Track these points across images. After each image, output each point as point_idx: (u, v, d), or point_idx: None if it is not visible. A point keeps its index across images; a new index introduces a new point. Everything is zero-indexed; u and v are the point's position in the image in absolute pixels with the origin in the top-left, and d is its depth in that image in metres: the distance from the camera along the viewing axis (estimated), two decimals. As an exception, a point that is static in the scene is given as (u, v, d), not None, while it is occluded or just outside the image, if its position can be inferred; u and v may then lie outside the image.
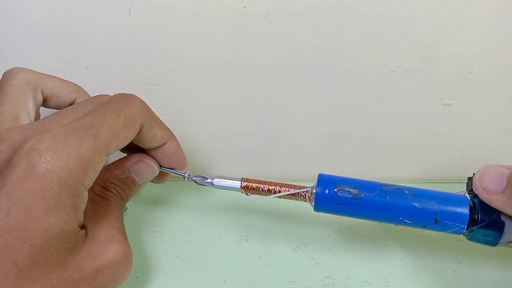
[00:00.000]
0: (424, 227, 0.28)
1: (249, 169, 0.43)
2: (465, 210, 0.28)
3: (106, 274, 0.27)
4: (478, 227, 0.28)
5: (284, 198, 0.32)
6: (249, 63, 0.38)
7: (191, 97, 0.40)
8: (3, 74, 0.32)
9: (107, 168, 0.32)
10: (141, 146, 0.32)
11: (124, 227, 0.30)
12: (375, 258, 0.34)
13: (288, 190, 0.31)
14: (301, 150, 0.42)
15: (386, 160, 0.42)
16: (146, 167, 0.33)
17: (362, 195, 0.28)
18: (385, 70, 0.38)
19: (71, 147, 0.25)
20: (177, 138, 0.42)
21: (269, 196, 0.31)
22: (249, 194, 0.32)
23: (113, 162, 0.33)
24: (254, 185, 0.32)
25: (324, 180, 0.30)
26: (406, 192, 0.28)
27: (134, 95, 0.31)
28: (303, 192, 0.31)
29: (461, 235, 0.29)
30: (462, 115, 0.40)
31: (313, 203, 0.30)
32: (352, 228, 0.37)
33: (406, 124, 0.41)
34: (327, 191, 0.29)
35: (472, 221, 0.28)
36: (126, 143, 0.29)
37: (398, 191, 0.29)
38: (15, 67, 0.32)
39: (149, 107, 0.31)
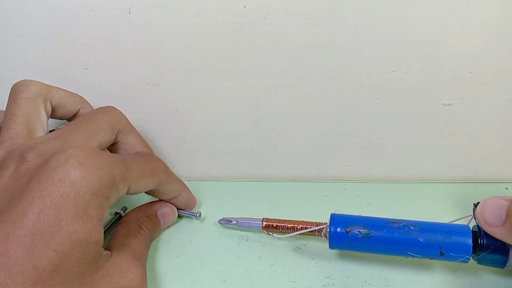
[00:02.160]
0: (431, 259, 0.31)
1: (249, 169, 0.43)
2: (468, 241, 0.30)
3: None
4: (485, 253, 0.29)
5: (303, 235, 0.34)
6: (249, 63, 0.38)
7: (191, 97, 0.40)
8: (13, 87, 0.33)
9: (140, 209, 0.35)
10: (156, 197, 0.35)
11: (146, 262, 0.32)
12: (375, 258, 0.34)
13: (306, 228, 0.34)
14: (301, 150, 0.42)
15: (386, 160, 0.42)
16: (170, 212, 0.36)
17: (371, 234, 0.31)
18: (385, 70, 0.38)
19: (107, 164, 0.27)
20: (177, 138, 0.42)
21: (289, 235, 0.34)
22: (270, 233, 0.35)
23: (144, 204, 0.36)
24: (274, 224, 0.35)
25: (335, 221, 0.32)
26: (412, 228, 0.31)
27: (155, 156, 0.36)
28: (320, 229, 0.33)
29: (471, 260, 0.30)
30: (462, 115, 0.40)
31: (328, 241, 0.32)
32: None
33: (406, 124, 0.41)
34: (339, 230, 0.31)
35: (479, 247, 0.30)
36: (144, 190, 0.32)
37: (404, 228, 0.31)
38: (25, 80, 0.33)
39: (167, 166, 0.34)
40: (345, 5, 0.35)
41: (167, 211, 0.36)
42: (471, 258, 0.30)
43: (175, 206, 0.37)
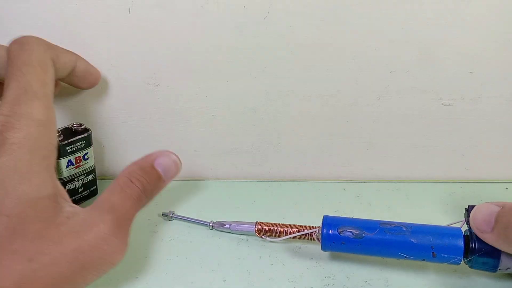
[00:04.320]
0: (423, 260, 0.30)
1: (249, 169, 0.43)
2: (460, 243, 0.30)
3: (88, 256, 0.26)
4: (476, 256, 0.29)
5: (295, 239, 0.34)
6: (249, 63, 0.38)
7: (191, 97, 0.40)
8: (16, 44, 0.32)
9: (134, 162, 0.32)
10: (64, 81, 0.34)
11: (127, 222, 0.29)
12: (375, 258, 0.34)
13: (298, 231, 0.34)
14: (301, 150, 0.42)
15: (386, 160, 0.42)
16: (169, 161, 0.32)
17: (363, 235, 0.31)
18: (385, 70, 0.38)
19: (27, 112, 0.27)
20: (177, 138, 0.42)
21: (281, 238, 0.34)
22: (263, 237, 0.35)
23: (140, 158, 0.32)
24: (267, 228, 0.35)
25: (328, 223, 0.32)
26: (404, 229, 0.31)
27: (31, 37, 0.32)
28: (312, 232, 0.33)
29: (462, 264, 0.30)
30: (462, 115, 0.40)
31: (320, 243, 0.32)
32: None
33: (406, 124, 0.41)
34: (331, 232, 0.31)
35: (470, 251, 0.30)
36: (60, 75, 0.32)
37: (396, 229, 0.31)
38: (29, 37, 0.32)
39: (48, 42, 0.32)
40: (345, 5, 0.35)
41: (164, 161, 0.32)
42: (462, 261, 0.30)
43: (79, 82, 0.35)
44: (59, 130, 0.36)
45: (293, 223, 0.34)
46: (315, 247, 0.35)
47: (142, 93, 0.39)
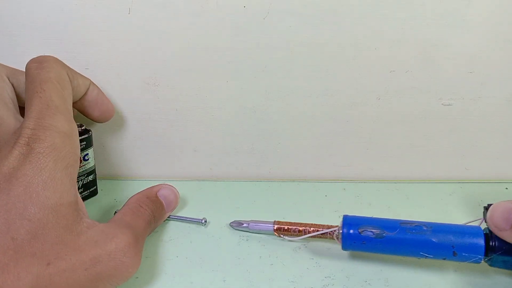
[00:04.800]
0: (444, 259, 0.31)
1: (249, 169, 0.43)
2: (481, 241, 0.30)
3: (105, 265, 0.27)
4: (497, 254, 0.29)
5: (314, 238, 0.34)
6: (249, 63, 0.38)
7: (191, 97, 0.40)
8: None
9: (139, 192, 0.35)
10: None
11: (142, 240, 0.31)
12: (375, 258, 0.34)
13: (318, 231, 0.34)
14: (301, 150, 0.42)
15: (386, 160, 0.42)
16: (171, 194, 0.36)
17: (384, 234, 0.31)
18: (385, 70, 0.38)
19: (51, 124, 0.28)
20: (177, 138, 0.42)
21: (300, 237, 0.34)
22: (281, 236, 0.35)
23: (144, 189, 0.36)
24: (286, 227, 0.35)
25: (348, 222, 0.32)
26: (424, 228, 0.31)
27: (49, 56, 0.32)
28: (331, 231, 0.33)
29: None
30: (462, 115, 0.40)
31: (340, 242, 0.32)
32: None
33: (406, 124, 0.41)
34: (352, 231, 0.31)
35: (490, 249, 0.30)
36: (73, 98, 0.33)
37: (416, 228, 0.31)
38: (47, 56, 0.33)
39: (64, 63, 0.33)
40: (345, 5, 0.35)
41: (167, 192, 0.36)
42: (482, 260, 0.30)
43: (89, 107, 0.36)
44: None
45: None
46: (315, 247, 0.35)
47: (142, 93, 0.39)
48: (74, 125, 0.30)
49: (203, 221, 0.36)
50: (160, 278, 0.32)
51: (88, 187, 0.39)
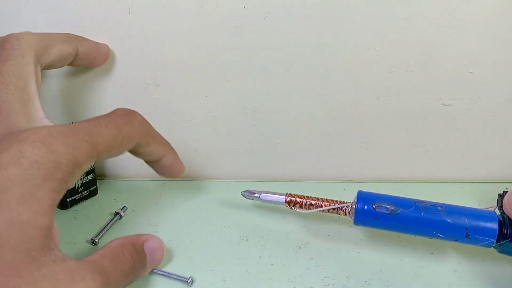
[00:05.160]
0: (456, 240, 0.31)
1: (249, 169, 0.43)
2: (495, 225, 0.30)
3: None
4: (508, 241, 0.29)
5: (326, 212, 0.34)
6: (249, 63, 0.38)
7: (191, 97, 0.40)
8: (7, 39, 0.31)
9: (125, 237, 0.30)
10: (138, 158, 0.33)
11: None
12: (375, 258, 0.34)
13: (329, 205, 0.33)
14: (301, 150, 0.42)
15: (386, 160, 0.42)
16: (158, 248, 0.32)
17: (398, 211, 0.31)
18: (385, 70, 0.38)
19: (68, 147, 0.25)
20: (177, 138, 0.42)
21: (311, 210, 0.34)
22: (293, 208, 0.34)
23: (130, 235, 0.31)
24: (298, 199, 0.34)
25: (363, 197, 0.32)
26: (439, 208, 0.31)
27: (137, 113, 0.31)
28: (343, 207, 0.33)
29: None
30: (462, 115, 0.40)
31: (353, 217, 0.32)
32: (352, 228, 0.37)
33: (406, 124, 0.41)
34: (366, 207, 0.31)
35: (502, 236, 0.30)
36: (115, 156, 0.29)
37: (431, 208, 0.31)
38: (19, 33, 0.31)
39: (149, 125, 0.32)
40: (345, 5, 0.35)
41: (154, 245, 0.31)
42: (492, 247, 0.30)
43: (159, 170, 0.34)
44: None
45: (293, 221, 0.34)
46: (316, 247, 0.35)
47: (142, 93, 0.39)
48: (83, 159, 0.26)
49: (189, 280, 0.31)
50: (160, 278, 0.32)
51: (87, 186, 0.39)
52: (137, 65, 0.38)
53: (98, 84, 0.39)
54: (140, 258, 0.30)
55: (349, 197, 0.40)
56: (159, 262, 0.32)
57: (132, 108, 0.40)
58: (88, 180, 0.39)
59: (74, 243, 0.35)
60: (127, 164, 0.43)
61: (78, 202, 0.39)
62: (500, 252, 0.30)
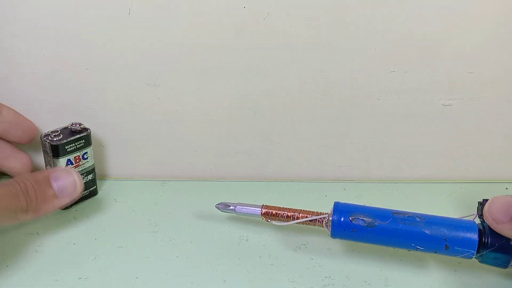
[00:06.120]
0: (435, 252, 0.30)
1: (249, 169, 0.43)
2: (474, 236, 0.29)
3: None
4: (489, 251, 0.29)
5: (303, 224, 0.33)
6: (249, 63, 0.38)
7: (191, 97, 0.40)
8: None
9: (32, 172, 0.30)
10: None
11: None
12: (375, 258, 0.34)
13: (307, 216, 0.32)
14: (301, 150, 0.42)
15: (386, 160, 0.42)
16: (68, 182, 0.31)
17: (376, 223, 0.30)
18: (385, 70, 0.38)
19: None
20: (177, 138, 0.42)
21: (288, 223, 0.33)
22: (269, 220, 0.34)
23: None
24: (274, 211, 0.33)
25: (339, 209, 0.31)
26: (418, 219, 0.30)
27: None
28: (321, 218, 0.32)
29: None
30: (462, 115, 0.40)
31: (330, 230, 0.31)
32: (352, 228, 0.37)
33: (406, 124, 0.41)
34: (342, 219, 0.31)
35: (482, 245, 0.29)
36: None
37: (410, 219, 0.30)
38: None
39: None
40: (345, 5, 0.35)
41: (63, 176, 0.30)
42: (474, 255, 0.29)
43: (9, 129, 0.33)
44: (58, 129, 0.36)
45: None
46: (316, 247, 0.35)
47: (142, 93, 0.39)
48: None
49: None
50: (160, 278, 0.32)
51: (87, 186, 0.39)
52: (137, 65, 0.38)
53: (98, 84, 0.39)
54: (40, 187, 0.29)
55: (349, 197, 0.40)
56: (72, 194, 0.31)
57: (132, 108, 0.40)
58: (88, 180, 0.39)
59: (74, 243, 0.35)
60: (127, 164, 0.43)
61: (78, 202, 0.39)
62: (481, 262, 0.30)
